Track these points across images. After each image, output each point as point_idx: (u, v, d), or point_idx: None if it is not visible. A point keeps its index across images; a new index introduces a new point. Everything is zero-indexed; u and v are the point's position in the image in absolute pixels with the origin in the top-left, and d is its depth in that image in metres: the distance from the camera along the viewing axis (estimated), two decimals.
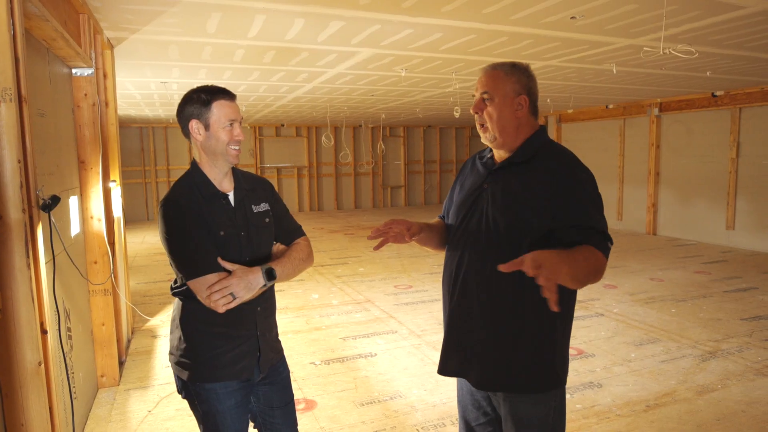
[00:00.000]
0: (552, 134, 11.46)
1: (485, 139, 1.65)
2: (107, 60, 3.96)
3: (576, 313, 5.33)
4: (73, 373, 2.81)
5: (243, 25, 3.70)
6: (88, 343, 3.24)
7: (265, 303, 1.79)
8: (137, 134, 12.25)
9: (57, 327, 2.02)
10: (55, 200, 1.85)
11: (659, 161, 9.23)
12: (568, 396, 3.23)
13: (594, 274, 1.42)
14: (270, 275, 1.66)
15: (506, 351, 1.57)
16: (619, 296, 5.44)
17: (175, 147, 12.59)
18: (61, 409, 2.12)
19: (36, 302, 1.78)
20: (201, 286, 1.58)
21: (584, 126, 10.79)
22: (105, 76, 3.90)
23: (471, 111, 1.69)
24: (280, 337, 1.94)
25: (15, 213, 1.70)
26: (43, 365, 1.80)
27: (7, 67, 1.66)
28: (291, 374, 1.94)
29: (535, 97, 1.63)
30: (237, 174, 1.80)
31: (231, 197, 1.75)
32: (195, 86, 1.72)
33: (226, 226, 1.68)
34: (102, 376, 3.45)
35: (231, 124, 1.67)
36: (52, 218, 2.13)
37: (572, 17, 3.59)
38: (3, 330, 1.71)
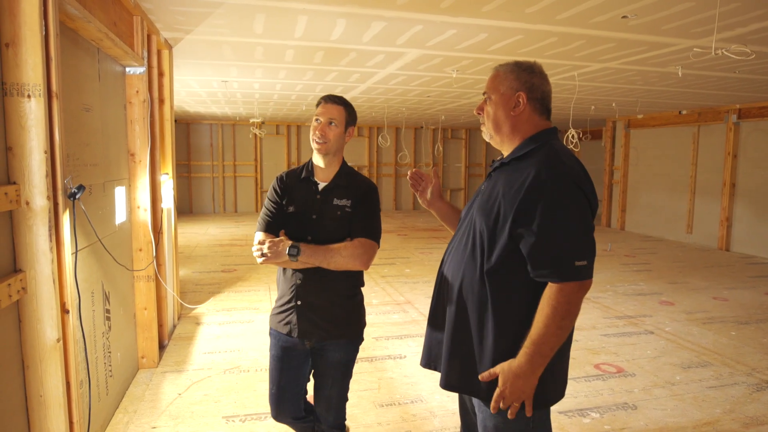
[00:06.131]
0: (620, 140, 10.92)
1: (484, 136, 1.64)
2: (164, 59, 4.18)
3: (623, 329, 5.00)
4: (110, 352, 3.00)
5: (288, 26, 3.79)
6: (130, 325, 3.44)
7: (308, 278, 1.98)
8: (207, 130, 12.87)
9: (77, 307, 2.15)
10: (81, 189, 1.98)
11: (736, 172, 8.57)
12: (596, 415, 3.07)
13: (564, 319, 1.37)
14: (292, 251, 1.87)
15: (471, 359, 1.51)
16: (674, 314, 5.10)
17: (242, 143, 13.10)
18: (78, 386, 2.26)
19: (57, 283, 1.91)
20: (255, 239, 1.96)
21: (654, 132, 10.20)
22: (161, 74, 4.12)
23: (474, 112, 1.67)
24: None
25: (41, 200, 1.84)
26: (61, 342, 1.93)
27: (37, 65, 1.79)
28: None
29: (539, 94, 1.55)
30: (342, 171, 2.06)
31: (321, 186, 2.04)
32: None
33: (298, 205, 2.01)
34: (143, 358, 3.65)
35: (317, 121, 2.04)
36: (83, 206, 2.27)
37: (623, 17, 3.41)
38: (26, 307, 1.86)
